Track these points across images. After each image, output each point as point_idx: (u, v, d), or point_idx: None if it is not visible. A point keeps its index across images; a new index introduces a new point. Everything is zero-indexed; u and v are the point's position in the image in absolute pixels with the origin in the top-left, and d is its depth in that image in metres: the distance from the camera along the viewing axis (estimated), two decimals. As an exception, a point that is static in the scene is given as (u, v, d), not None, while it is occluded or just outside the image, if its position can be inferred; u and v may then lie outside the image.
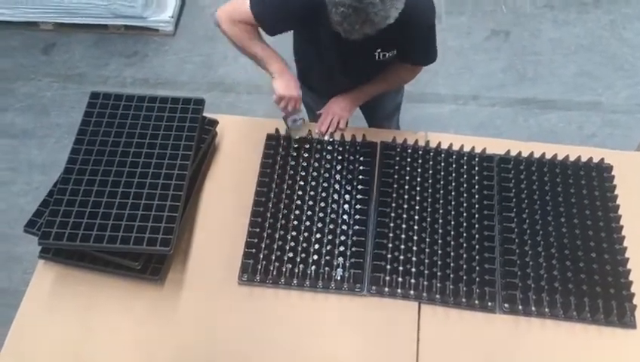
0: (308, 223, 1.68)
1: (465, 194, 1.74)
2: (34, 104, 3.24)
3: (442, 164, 1.79)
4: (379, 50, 1.68)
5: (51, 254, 1.62)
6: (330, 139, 1.85)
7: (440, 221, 1.68)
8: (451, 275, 1.59)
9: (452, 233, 1.66)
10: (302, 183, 1.76)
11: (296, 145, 1.83)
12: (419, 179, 1.76)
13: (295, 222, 1.68)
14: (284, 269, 1.61)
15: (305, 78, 2.02)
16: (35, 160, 3.01)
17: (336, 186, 1.76)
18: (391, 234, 1.66)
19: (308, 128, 1.87)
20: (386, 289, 1.58)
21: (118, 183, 1.64)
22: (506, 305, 1.56)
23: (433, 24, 1.67)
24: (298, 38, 1.90)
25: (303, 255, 1.63)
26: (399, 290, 1.58)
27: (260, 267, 1.61)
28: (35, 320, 1.58)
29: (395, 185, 1.75)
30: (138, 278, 1.59)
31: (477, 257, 1.62)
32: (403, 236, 1.66)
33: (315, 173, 1.77)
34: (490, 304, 1.56)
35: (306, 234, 1.66)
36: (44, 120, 3.17)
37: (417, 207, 1.71)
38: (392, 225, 1.68)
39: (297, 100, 1.75)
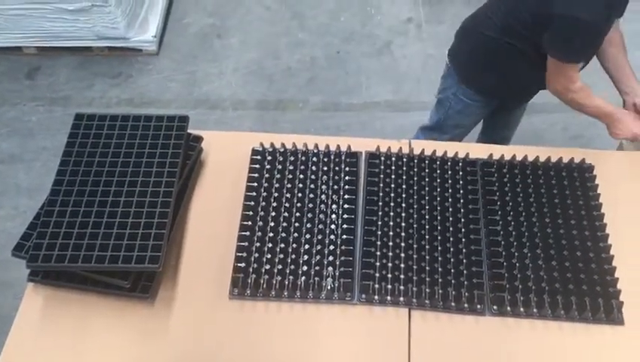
0: (296, 235, 1.70)
1: (450, 199, 1.75)
2: (20, 128, 3.24)
3: (426, 170, 1.81)
4: None
5: (40, 277, 1.62)
6: (315, 150, 1.87)
7: (426, 227, 1.70)
8: (440, 280, 1.60)
9: (439, 238, 1.68)
10: (288, 195, 1.77)
11: None
12: (404, 186, 1.78)
13: (283, 234, 1.69)
14: (274, 282, 1.61)
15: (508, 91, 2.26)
16: (22, 184, 3.01)
17: (323, 197, 1.77)
18: (379, 242, 1.67)
19: None
20: (376, 296, 1.59)
21: (105, 203, 1.64)
22: (494, 307, 1.57)
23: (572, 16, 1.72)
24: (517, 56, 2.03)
25: (293, 266, 1.63)
26: (389, 297, 1.59)
27: (250, 281, 1.61)
28: (26, 344, 1.57)
29: (381, 193, 1.77)
30: (128, 297, 1.59)
31: (464, 261, 1.64)
32: (391, 243, 1.67)
33: (301, 185, 1.79)
34: (479, 307, 1.57)
35: (294, 245, 1.67)
36: (31, 144, 3.17)
37: (404, 214, 1.73)
38: (379, 233, 1.69)
39: None
